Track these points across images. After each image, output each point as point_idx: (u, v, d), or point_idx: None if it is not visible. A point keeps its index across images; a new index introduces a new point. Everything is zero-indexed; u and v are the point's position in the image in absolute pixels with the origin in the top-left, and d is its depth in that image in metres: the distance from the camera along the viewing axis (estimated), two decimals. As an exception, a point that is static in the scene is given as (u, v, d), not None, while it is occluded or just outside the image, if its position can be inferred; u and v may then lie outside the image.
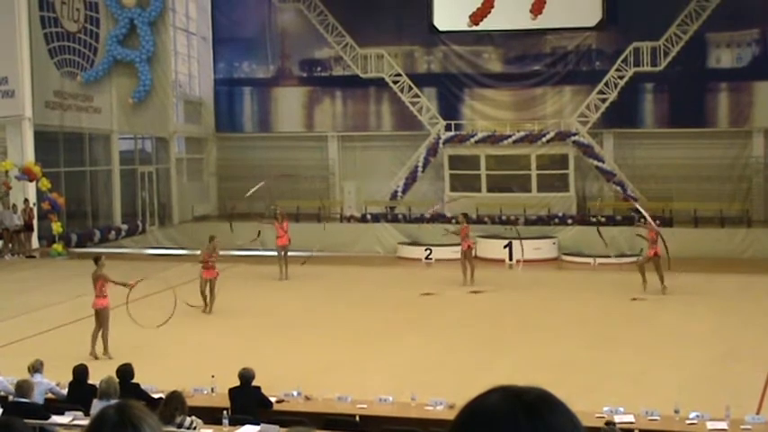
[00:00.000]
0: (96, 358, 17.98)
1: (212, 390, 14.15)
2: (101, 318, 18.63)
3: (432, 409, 13.34)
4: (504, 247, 33.83)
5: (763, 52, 40.10)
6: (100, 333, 18.62)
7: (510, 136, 40.65)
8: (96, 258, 19.55)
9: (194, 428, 11.30)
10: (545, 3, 40.80)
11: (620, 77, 40.65)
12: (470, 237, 28.57)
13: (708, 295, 25.66)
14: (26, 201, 33.67)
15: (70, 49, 37.05)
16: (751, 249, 34.61)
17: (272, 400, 13.57)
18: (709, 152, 39.75)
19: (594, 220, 37.05)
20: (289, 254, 29.14)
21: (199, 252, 24.60)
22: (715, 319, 22.13)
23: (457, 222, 29.94)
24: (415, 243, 36.59)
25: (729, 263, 31.07)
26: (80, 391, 13.49)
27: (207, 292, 23.35)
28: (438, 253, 33.89)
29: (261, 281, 26.62)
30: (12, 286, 27.28)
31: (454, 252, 32.74)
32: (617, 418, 12.61)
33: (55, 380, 14.05)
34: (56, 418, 12.70)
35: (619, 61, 40.65)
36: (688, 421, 12.73)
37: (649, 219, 27.42)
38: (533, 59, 42.42)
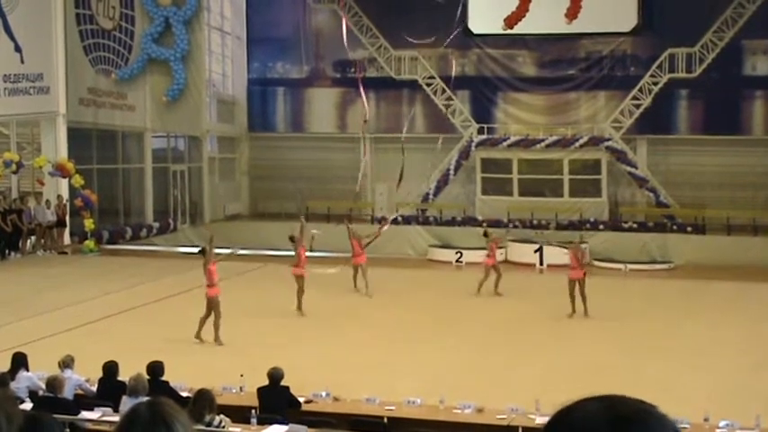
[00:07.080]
0: (201, 341, 19.39)
1: (241, 389, 14.17)
2: (212, 305, 19.49)
3: (460, 413, 13.32)
4: (535, 251, 33.73)
5: (801, 60, 39.88)
6: (209, 319, 19.53)
7: (543, 140, 40.55)
8: (202, 250, 20.20)
9: (223, 427, 11.30)
10: (580, 7, 40.58)
11: (655, 83, 40.41)
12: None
13: (739, 304, 25.51)
14: (59, 197, 33.82)
15: (105, 46, 37.18)
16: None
17: (301, 400, 13.57)
18: (744, 160, 39.43)
19: (626, 225, 37.02)
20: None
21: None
22: (746, 327, 21.94)
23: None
24: (446, 246, 36.51)
25: (762, 271, 30.80)
26: (109, 388, 13.54)
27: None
28: (469, 256, 33.76)
29: (290, 281, 26.56)
30: (43, 282, 27.40)
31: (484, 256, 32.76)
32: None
33: (84, 376, 14.12)
34: (85, 414, 12.76)
35: (654, 67, 40.40)
36: (718, 430, 12.66)
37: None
38: (568, 64, 42.09)
